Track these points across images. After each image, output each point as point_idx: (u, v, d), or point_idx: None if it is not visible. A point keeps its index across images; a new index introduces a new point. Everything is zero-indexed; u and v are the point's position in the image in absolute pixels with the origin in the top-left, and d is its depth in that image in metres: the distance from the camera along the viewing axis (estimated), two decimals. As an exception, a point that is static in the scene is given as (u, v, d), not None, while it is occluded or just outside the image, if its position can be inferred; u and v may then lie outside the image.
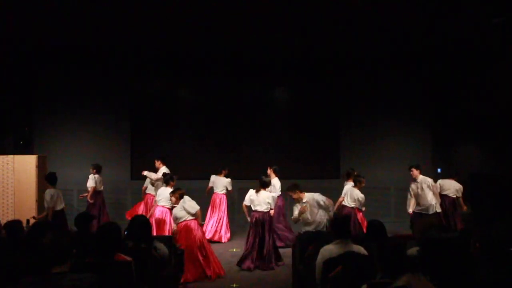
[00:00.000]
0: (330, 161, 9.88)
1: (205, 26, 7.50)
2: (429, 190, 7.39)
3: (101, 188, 8.29)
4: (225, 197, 8.39)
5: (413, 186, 7.59)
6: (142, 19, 7.06)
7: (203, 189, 9.12)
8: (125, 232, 4.22)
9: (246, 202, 6.64)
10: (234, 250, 7.55)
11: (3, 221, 4.87)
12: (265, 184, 6.57)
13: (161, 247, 4.15)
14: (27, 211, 7.34)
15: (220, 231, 8.14)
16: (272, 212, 6.59)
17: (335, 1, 6.28)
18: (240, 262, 6.41)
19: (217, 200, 8.32)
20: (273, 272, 6.28)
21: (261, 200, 6.44)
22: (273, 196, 6.68)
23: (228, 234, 8.27)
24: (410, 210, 7.48)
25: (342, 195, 7.29)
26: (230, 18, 7.02)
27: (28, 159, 7.87)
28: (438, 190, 7.54)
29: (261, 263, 6.35)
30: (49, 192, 6.77)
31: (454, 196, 7.83)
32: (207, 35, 8.02)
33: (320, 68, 9.72)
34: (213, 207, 8.31)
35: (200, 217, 6.14)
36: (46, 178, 6.99)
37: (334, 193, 9.66)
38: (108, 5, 6.37)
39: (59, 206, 6.88)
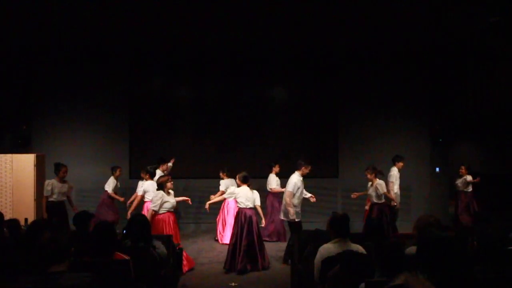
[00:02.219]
0: (329, 160, 9.87)
1: (204, 25, 7.49)
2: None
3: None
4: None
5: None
6: (141, 18, 7.05)
7: (201, 188, 9.13)
8: (124, 231, 4.22)
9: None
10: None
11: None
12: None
13: (160, 246, 4.15)
14: (26, 210, 7.33)
15: None
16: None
17: (334, 0, 6.29)
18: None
19: None
20: (272, 271, 6.28)
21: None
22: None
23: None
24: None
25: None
26: (229, 17, 7.01)
27: (26, 158, 7.84)
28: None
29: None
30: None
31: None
32: (206, 34, 8.01)
33: (319, 67, 9.71)
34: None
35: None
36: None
37: (333, 192, 9.76)
38: (106, 4, 6.36)
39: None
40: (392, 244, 2.71)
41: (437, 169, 9.59)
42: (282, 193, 7.13)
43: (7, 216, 6.02)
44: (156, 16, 6.94)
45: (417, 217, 3.63)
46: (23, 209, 7.39)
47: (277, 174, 8.32)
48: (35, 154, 7.97)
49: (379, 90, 9.71)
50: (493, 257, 2.90)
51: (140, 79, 9.73)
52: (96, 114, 9.52)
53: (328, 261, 3.50)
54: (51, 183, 7.14)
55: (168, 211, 6.02)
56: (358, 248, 3.69)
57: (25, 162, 7.76)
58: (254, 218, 6.30)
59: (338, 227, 3.82)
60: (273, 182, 8.19)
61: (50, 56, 9.16)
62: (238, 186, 6.64)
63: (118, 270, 3.17)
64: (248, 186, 6.46)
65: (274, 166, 8.30)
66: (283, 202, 6.69)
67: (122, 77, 9.56)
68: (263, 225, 6.78)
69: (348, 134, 9.82)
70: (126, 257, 3.34)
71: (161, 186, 6.08)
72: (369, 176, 7.09)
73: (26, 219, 6.37)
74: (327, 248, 3.69)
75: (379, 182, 7.07)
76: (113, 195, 8.14)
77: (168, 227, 5.94)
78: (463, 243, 3.22)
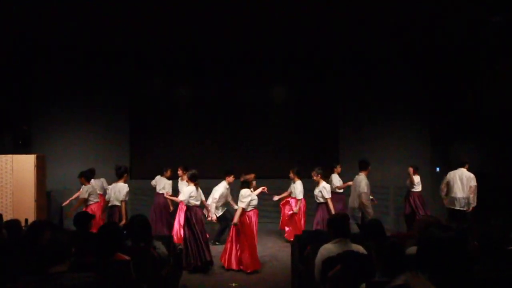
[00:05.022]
0: (329, 161, 9.86)
1: (204, 25, 7.49)
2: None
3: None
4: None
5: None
6: (141, 18, 7.05)
7: (202, 187, 9.12)
8: (124, 232, 4.21)
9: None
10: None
11: (2, 221, 4.86)
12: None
13: (160, 246, 4.15)
14: (26, 211, 7.34)
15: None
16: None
17: (334, 0, 6.29)
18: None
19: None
20: (272, 272, 6.29)
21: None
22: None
23: None
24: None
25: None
26: (229, 17, 7.01)
27: (26, 159, 7.85)
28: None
29: None
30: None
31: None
32: (206, 34, 8.01)
33: (319, 67, 9.72)
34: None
35: None
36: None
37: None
38: (106, 4, 6.36)
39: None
40: (393, 244, 2.71)
41: (437, 169, 9.59)
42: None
43: (7, 217, 6.04)
44: (156, 16, 6.95)
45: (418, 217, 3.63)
46: (24, 209, 7.40)
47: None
48: (35, 155, 7.98)
49: (379, 90, 9.72)
50: (493, 257, 2.89)
51: (140, 79, 9.73)
52: (96, 114, 9.53)
53: (329, 261, 3.49)
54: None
55: (255, 208, 6.14)
56: (358, 248, 3.69)
57: (26, 163, 7.77)
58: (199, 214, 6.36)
59: (338, 227, 3.81)
60: (336, 181, 8.40)
61: (50, 56, 9.16)
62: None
63: (119, 270, 3.17)
64: (196, 185, 6.43)
65: (336, 167, 8.54)
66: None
67: (122, 77, 9.56)
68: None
69: (348, 134, 9.82)
70: (127, 258, 3.34)
71: (247, 184, 6.01)
72: (315, 178, 7.24)
73: (26, 220, 6.38)
74: (328, 249, 3.69)
75: (324, 185, 7.22)
76: (169, 196, 7.94)
77: (254, 224, 6.04)
78: (464, 243, 3.22)
